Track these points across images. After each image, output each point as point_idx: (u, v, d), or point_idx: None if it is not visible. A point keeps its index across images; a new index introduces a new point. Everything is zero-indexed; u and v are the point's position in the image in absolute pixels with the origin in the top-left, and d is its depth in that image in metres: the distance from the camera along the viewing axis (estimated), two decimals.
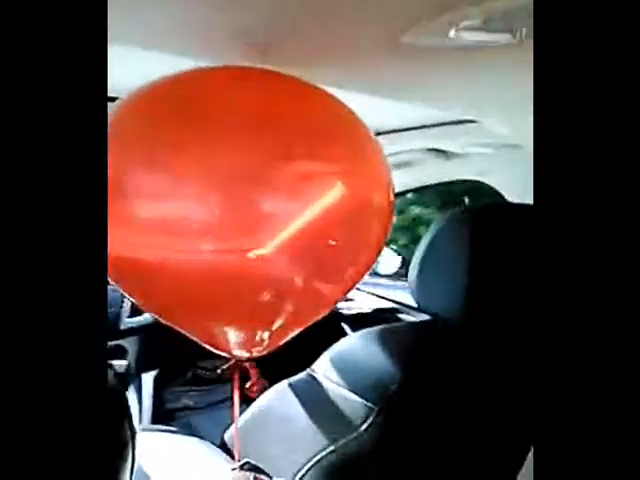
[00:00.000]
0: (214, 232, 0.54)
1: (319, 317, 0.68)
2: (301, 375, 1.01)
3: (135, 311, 1.63)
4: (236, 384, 0.69)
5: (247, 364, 0.69)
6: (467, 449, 0.82)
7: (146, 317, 1.64)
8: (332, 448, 0.78)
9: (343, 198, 0.58)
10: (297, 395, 0.89)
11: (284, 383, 1.00)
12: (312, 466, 0.79)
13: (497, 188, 1.52)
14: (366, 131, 0.65)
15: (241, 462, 0.69)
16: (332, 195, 0.57)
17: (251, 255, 0.54)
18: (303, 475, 0.79)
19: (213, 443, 1.11)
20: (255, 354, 0.67)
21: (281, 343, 0.67)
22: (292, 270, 0.58)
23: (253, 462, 0.70)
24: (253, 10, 0.57)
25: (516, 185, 1.45)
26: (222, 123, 0.55)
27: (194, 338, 0.66)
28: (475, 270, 0.83)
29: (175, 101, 0.56)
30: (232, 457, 1.02)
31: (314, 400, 0.86)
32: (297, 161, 0.56)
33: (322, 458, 0.79)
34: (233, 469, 0.69)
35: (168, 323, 0.65)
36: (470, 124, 1.19)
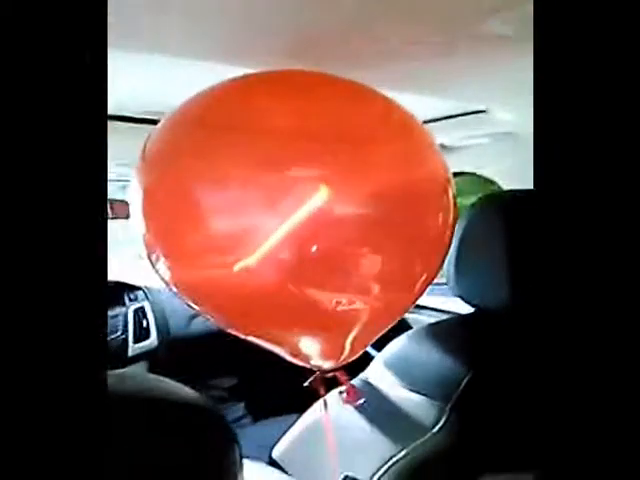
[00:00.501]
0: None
1: (394, 323, 0.67)
2: (355, 381, 0.99)
3: (140, 336, 1.58)
4: (322, 394, 0.67)
5: (337, 373, 0.67)
6: (533, 436, 0.83)
7: (152, 341, 1.59)
8: (404, 453, 0.77)
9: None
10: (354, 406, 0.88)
11: (334, 393, 0.99)
12: (384, 472, 0.78)
13: (495, 179, 1.55)
14: (417, 124, 0.64)
15: (342, 476, 0.68)
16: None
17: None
18: (379, 478, 0.78)
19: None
20: (339, 363, 0.65)
21: (363, 350, 0.66)
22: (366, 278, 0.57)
23: (352, 475, 0.68)
24: (283, 10, 0.57)
25: (514, 174, 1.49)
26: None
27: (276, 351, 0.64)
28: (516, 257, 0.84)
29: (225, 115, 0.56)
30: (285, 472, 1.00)
31: (374, 407, 0.85)
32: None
33: (394, 464, 0.78)
34: None
35: (250, 338, 0.63)
36: (475, 115, 1.21)
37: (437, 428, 0.77)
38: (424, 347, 0.88)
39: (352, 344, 0.64)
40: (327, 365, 0.66)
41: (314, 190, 0.52)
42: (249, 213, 0.53)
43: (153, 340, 1.59)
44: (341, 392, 0.71)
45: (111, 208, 1.46)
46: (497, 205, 0.89)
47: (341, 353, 0.64)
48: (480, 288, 0.90)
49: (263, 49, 0.65)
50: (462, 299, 0.93)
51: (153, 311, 1.64)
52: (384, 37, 0.64)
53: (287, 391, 1.28)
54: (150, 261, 0.59)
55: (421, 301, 0.71)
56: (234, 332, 0.65)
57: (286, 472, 0.98)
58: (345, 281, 0.57)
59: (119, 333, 1.54)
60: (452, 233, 0.66)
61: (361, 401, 0.68)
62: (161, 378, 0.55)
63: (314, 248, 0.54)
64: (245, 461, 0.51)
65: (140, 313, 1.63)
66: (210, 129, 0.55)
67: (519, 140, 1.29)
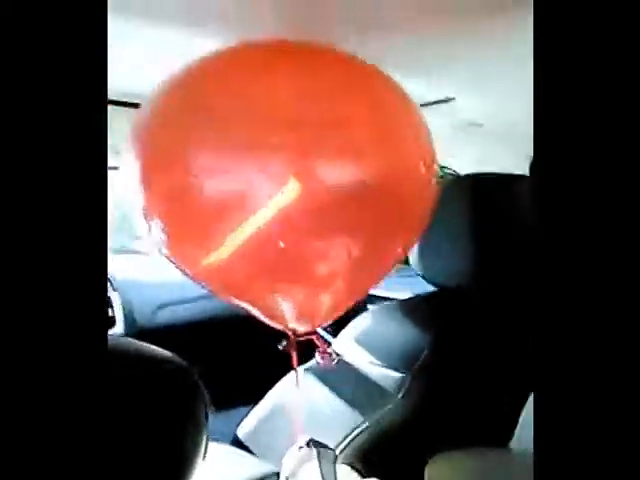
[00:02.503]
0: None
1: (368, 290, 0.69)
2: (315, 361, 1.01)
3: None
4: (294, 360, 0.69)
5: (313, 336, 0.69)
6: (488, 401, 0.86)
7: (118, 330, 1.58)
8: (367, 424, 0.79)
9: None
10: (319, 379, 0.89)
11: (300, 370, 1.00)
12: (350, 441, 0.80)
13: (454, 169, 1.59)
14: (407, 104, 0.65)
15: (306, 440, 0.69)
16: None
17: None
18: (342, 450, 0.79)
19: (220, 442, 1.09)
20: (314, 327, 0.67)
21: (339, 314, 0.68)
22: (345, 243, 0.59)
23: (316, 439, 0.70)
24: None
25: (470, 165, 1.52)
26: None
27: (254, 313, 0.65)
28: (477, 238, 0.88)
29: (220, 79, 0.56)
30: (250, 452, 1.01)
31: (340, 381, 0.87)
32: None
33: (358, 434, 0.81)
34: (300, 447, 0.69)
35: (228, 298, 0.64)
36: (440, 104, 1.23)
37: (398, 398, 0.80)
38: (387, 322, 0.91)
39: (328, 309, 0.67)
40: (302, 329, 0.68)
41: (282, 183, 0.53)
42: (222, 199, 0.55)
43: (119, 329, 1.58)
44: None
45: None
46: (459, 187, 0.93)
47: (317, 317, 0.67)
48: (442, 268, 0.93)
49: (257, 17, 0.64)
50: (424, 279, 0.96)
51: (120, 301, 1.63)
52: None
53: (249, 382, 1.29)
54: (147, 230, 0.61)
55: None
56: (215, 294, 0.66)
57: (250, 451, 1.00)
58: (315, 270, 0.60)
59: None
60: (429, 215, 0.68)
61: (334, 362, 0.70)
62: (132, 340, 0.56)
63: (281, 244, 0.56)
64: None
65: (107, 302, 1.61)
66: (190, 111, 0.56)
67: (482, 131, 1.32)
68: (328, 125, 0.55)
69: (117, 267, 1.74)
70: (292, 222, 0.55)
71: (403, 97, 0.64)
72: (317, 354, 0.71)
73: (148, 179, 0.57)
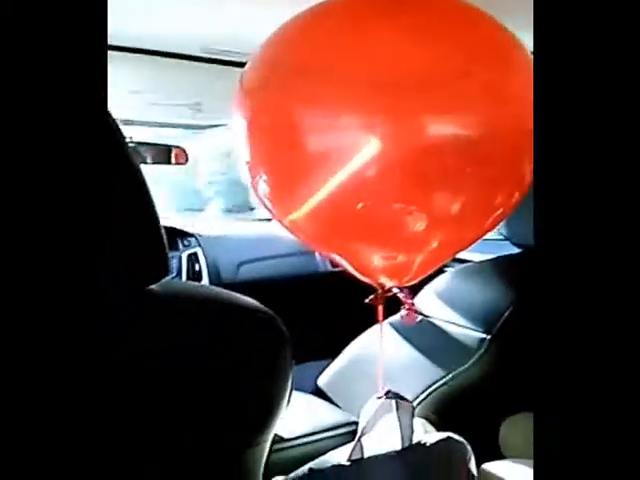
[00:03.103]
0: None
1: (463, 250, 0.68)
2: (399, 315, 1.02)
3: (192, 279, 1.66)
4: (381, 313, 0.70)
5: (400, 293, 0.70)
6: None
7: (203, 284, 1.67)
8: (446, 379, 0.80)
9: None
10: (400, 334, 0.91)
11: (383, 324, 1.02)
12: (428, 395, 0.81)
13: None
14: (517, 52, 0.60)
15: (385, 390, 0.71)
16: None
17: None
18: (420, 403, 0.81)
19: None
20: (402, 283, 0.68)
21: (429, 272, 0.68)
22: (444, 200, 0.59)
23: (394, 391, 0.71)
24: None
25: None
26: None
27: (345, 266, 0.67)
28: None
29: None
30: (330, 401, 1.05)
31: (421, 337, 0.88)
32: None
33: (436, 389, 0.82)
34: (378, 397, 0.71)
35: (322, 250, 0.67)
36: None
37: (478, 355, 0.80)
38: (470, 282, 0.90)
39: (418, 266, 0.67)
40: (390, 283, 0.69)
41: (364, 142, 0.53)
42: (309, 159, 0.56)
43: (204, 283, 1.66)
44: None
45: (172, 155, 1.51)
46: None
47: (407, 274, 0.67)
48: (527, 228, 0.90)
49: None
50: (509, 240, 0.93)
51: (205, 257, 1.71)
52: None
53: (329, 337, 1.33)
54: (253, 188, 0.64)
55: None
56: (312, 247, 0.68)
57: (331, 400, 1.03)
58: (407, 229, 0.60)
59: (173, 275, 1.62)
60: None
61: (418, 319, 0.71)
62: (219, 289, 0.59)
63: (360, 205, 0.57)
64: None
65: (193, 258, 1.71)
66: (293, 69, 0.57)
67: None
68: (430, 81, 0.53)
69: (203, 225, 1.82)
70: (375, 182, 0.56)
71: (514, 43, 0.60)
72: (402, 309, 0.71)
73: (255, 135, 0.60)
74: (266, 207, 0.66)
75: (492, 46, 0.59)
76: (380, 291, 0.69)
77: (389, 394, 0.71)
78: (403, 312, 0.72)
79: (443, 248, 0.65)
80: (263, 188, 0.63)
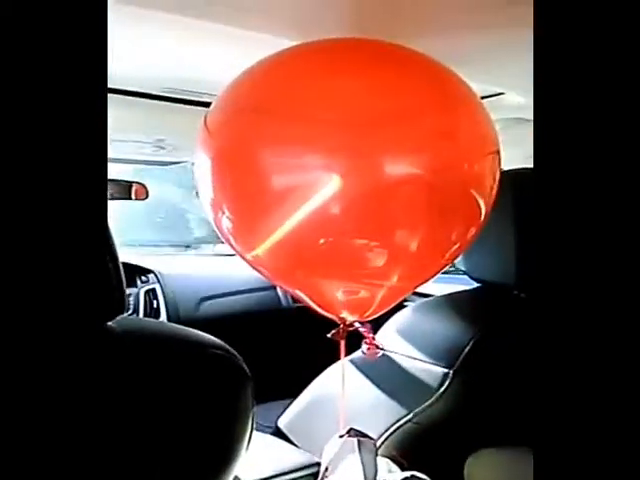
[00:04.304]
0: None
1: (423, 284, 0.69)
2: (359, 352, 1.01)
3: (150, 316, 1.62)
4: (342, 349, 0.70)
5: (361, 327, 0.70)
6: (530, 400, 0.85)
7: (162, 321, 1.63)
8: (410, 416, 0.80)
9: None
10: (362, 371, 0.90)
11: (345, 361, 1.01)
12: (391, 434, 0.81)
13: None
14: (468, 97, 0.64)
15: (346, 429, 0.70)
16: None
17: None
18: (383, 442, 0.80)
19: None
20: (363, 318, 0.68)
21: (390, 306, 0.69)
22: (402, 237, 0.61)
23: (357, 428, 0.71)
24: None
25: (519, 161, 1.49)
26: None
27: (307, 302, 0.68)
28: (522, 234, 0.87)
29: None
30: (290, 442, 1.02)
31: (382, 373, 0.88)
32: None
33: (400, 427, 0.81)
34: (341, 436, 0.70)
35: (285, 285, 0.68)
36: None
37: (441, 391, 0.80)
38: (430, 316, 0.91)
39: (379, 301, 0.67)
40: (352, 318, 0.70)
41: (325, 179, 0.55)
42: (271, 196, 0.58)
43: (163, 320, 1.62)
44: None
45: (132, 190, 1.50)
46: (504, 182, 0.92)
47: (368, 308, 0.68)
48: (486, 264, 0.92)
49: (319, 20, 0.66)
50: (468, 275, 0.95)
51: (163, 293, 1.68)
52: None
53: (288, 375, 1.31)
54: (216, 224, 0.65)
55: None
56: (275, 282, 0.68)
57: (292, 442, 1.01)
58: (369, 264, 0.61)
59: (130, 312, 1.57)
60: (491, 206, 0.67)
61: (379, 354, 0.71)
62: (176, 326, 0.57)
63: (321, 241, 0.58)
64: None
65: (151, 294, 1.67)
66: (255, 109, 0.59)
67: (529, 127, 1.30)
68: (387, 121, 0.55)
69: (162, 261, 1.79)
70: (336, 218, 0.57)
71: (464, 89, 0.63)
72: (364, 344, 0.72)
73: (218, 173, 0.61)
74: (229, 243, 0.66)
75: (444, 92, 0.62)
76: (342, 326, 0.69)
77: (351, 432, 0.70)
78: (364, 347, 0.72)
79: (403, 282, 0.66)
80: (226, 224, 0.63)
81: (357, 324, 0.70)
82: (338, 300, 0.66)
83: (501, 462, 0.82)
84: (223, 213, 0.62)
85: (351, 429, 0.71)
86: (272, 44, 0.63)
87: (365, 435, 0.71)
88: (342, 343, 0.71)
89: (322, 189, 0.55)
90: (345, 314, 0.68)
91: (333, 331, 0.70)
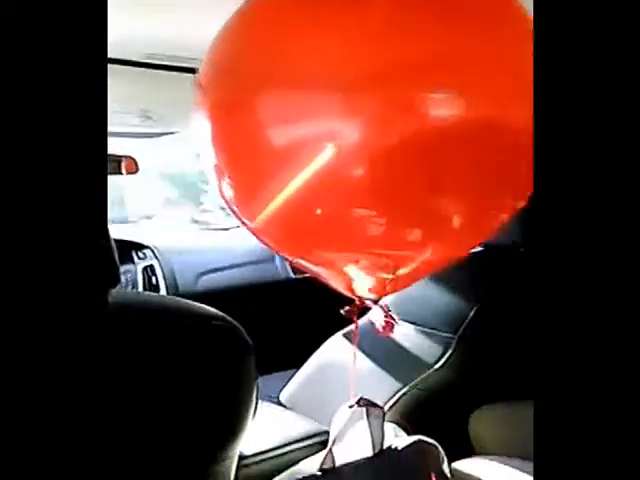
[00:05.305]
0: None
1: (448, 264, 0.63)
2: (361, 323, 1.00)
3: (149, 292, 1.61)
4: (356, 324, 0.68)
5: (378, 305, 0.67)
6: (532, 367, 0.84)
7: None
8: (413, 383, 0.80)
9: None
10: (365, 340, 0.89)
11: (339, 334, 1.00)
12: (395, 402, 0.81)
13: None
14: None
15: (356, 398, 0.70)
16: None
17: None
18: (389, 409, 0.80)
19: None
20: (380, 296, 0.65)
21: (407, 286, 0.66)
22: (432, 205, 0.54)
23: (366, 397, 0.70)
24: None
25: None
26: None
27: (323, 278, 0.64)
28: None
29: None
30: None
31: (385, 342, 0.87)
32: None
33: (404, 394, 0.81)
34: (350, 406, 0.70)
35: (300, 262, 0.64)
36: None
37: (445, 358, 0.80)
38: (434, 281, 0.90)
39: (398, 280, 0.62)
40: (369, 296, 0.66)
41: (320, 149, 0.49)
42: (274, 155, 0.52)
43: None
44: (372, 322, 0.71)
45: (123, 165, 1.46)
46: None
47: (385, 287, 0.64)
48: None
49: None
50: None
51: (162, 269, 1.66)
52: None
53: (288, 347, 1.31)
54: (219, 189, 0.60)
55: None
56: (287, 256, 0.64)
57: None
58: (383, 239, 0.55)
59: (128, 289, 1.56)
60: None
61: (392, 334, 0.69)
62: (176, 298, 0.56)
63: (318, 211, 0.53)
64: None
65: (149, 270, 1.66)
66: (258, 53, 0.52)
67: None
68: (421, 64, 0.46)
69: (160, 235, 1.77)
70: (348, 184, 0.51)
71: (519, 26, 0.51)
72: (376, 321, 0.68)
73: (218, 132, 0.55)
74: (233, 212, 0.62)
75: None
76: (357, 302, 0.66)
77: (360, 402, 0.70)
78: (379, 326, 0.69)
79: (434, 256, 0.61)
80: (228, 191, 0.59)
81: (370, 302, 0.67)
82: (356, 280, 0.62)
83: (503, 416, 0.83)
84: (224, 179, 0.57)
85: (361, 398, 0.71)
86: None
87: (374, 404, 0.70)
88: (355, 319, 0.68)
89: (329, 150, 0.48)
90: (362, 292, 0.65)
91: (347, 308, 0.67)
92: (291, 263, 0.98)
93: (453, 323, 0.82)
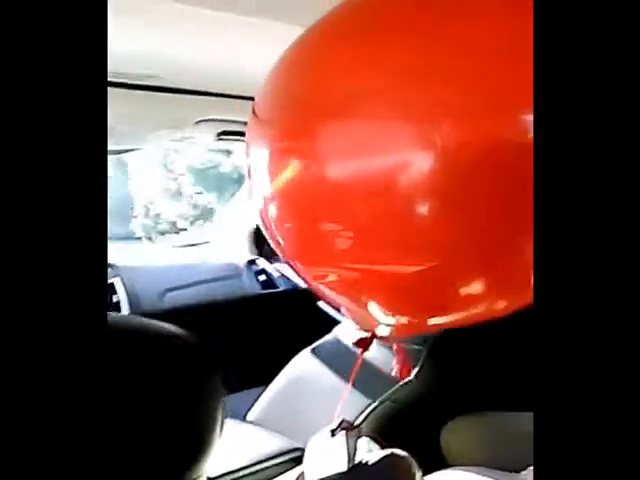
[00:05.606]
0: None
1: (475, 320, 0.57)
2: (325, 340, 1.00)
3: (111, 311, 1.57)
4: (360, 356, 0.66)
5: (395, 345, 0.65)
6: (503, 369, 0.86)
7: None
8: (388, 393, 0.80)
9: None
10: (326, 359, 0.89)
11: (307, 350, 0.99)
12: (369, 413, 0.81)
13: None
14: None
15: (338, 420, 0.69)
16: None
17: None
18: (362, 421, 0.80)
19: None
20: (399, 335, 0.63)
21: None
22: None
23: (347, 419, 0.69)
24: None
25: None
26: None
27: (343, 314, 0.62)
28: None
29: None
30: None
31: (350, 360, 0.87)
32: None
33: (378, 405, 0.81)
34: (332, 430, 0.69)
35: (323, 292, 0.61)
36: None
37: (415, 371, 0.80)
38: None
39: (423, 323, 0.61)
40: (383, 332, 0.64)
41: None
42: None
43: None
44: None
45: None
46: None
47: (409, 331, 0.63)
48: None
49: None
50: None
51: (124, 287, 1.62)
52: None
53: (254, 365, 1.30)
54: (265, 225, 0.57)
55: None
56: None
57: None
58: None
59: None
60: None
61: (412, 376, 0.66)
62: (138, 317, 0.55)
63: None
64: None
65: (110, 289, 1.61)
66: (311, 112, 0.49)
67: None
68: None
69: (119, 254, 1.73)
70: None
71: None
72: (395, 365, 0.67)
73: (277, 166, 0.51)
74: (288, 263, 0.60)
75: None
76: (372, 335, 0.64)
77: (343, 424, 0.69)
78: (395, 368, 0.67)
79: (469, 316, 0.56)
80: (281, 231, 0.56)
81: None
82: (376, 317, 0.58)
83: (475, 427, 0.84)
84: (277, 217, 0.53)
85: (343, 420, 0.70)
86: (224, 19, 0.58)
87: (354, 426, 0.69)
88: (360, 352, 0.66)
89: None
90: (380, 331, 0.62)
91: (358, 338, 0.65)
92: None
93: (423, 335, 0.83)
